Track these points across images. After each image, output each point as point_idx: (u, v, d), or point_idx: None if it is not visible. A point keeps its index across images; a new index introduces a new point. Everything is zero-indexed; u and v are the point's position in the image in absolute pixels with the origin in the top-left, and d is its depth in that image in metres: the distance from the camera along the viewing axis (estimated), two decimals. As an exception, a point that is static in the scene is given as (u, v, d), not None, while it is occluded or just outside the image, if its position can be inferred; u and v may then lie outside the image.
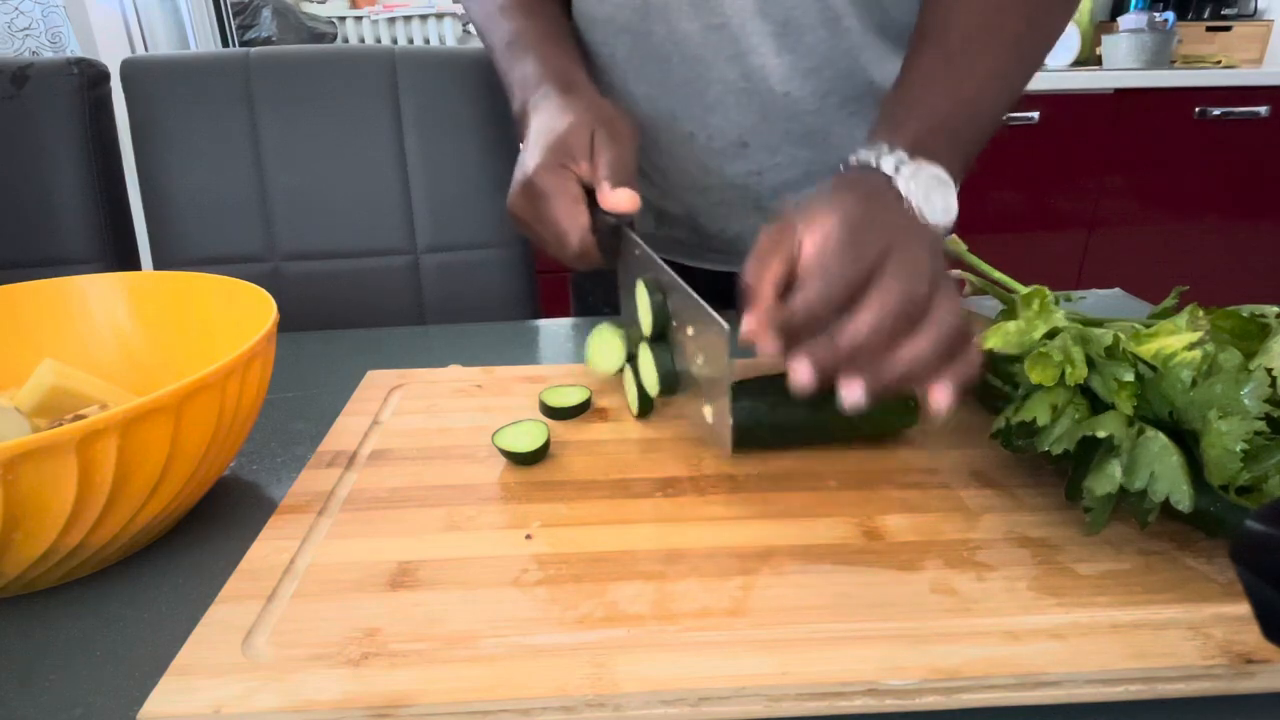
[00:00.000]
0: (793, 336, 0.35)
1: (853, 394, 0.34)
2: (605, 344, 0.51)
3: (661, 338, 0.46)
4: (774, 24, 0.57)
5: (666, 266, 0.44)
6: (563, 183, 0.47)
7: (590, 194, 0.48)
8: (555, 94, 0.51)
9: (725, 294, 0.78)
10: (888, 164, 0.41)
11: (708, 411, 0.43)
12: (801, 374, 0.34)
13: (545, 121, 0.49)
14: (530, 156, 0.48)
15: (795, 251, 0.37)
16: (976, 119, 0.47)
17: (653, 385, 0.46)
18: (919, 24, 0.51)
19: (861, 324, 0.33)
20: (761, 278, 0.37)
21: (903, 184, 0.41)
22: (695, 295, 0.41)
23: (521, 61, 0.55)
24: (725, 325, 0.38)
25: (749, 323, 0.37)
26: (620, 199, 0.45)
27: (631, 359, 0.49)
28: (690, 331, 0.43)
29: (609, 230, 0.47)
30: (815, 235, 0.36)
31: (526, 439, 0.44)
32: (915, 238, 0.37)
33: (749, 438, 0.43)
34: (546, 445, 0.44)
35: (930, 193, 0.41)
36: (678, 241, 0.73)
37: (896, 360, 0.34)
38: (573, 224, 0.46)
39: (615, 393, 0.52)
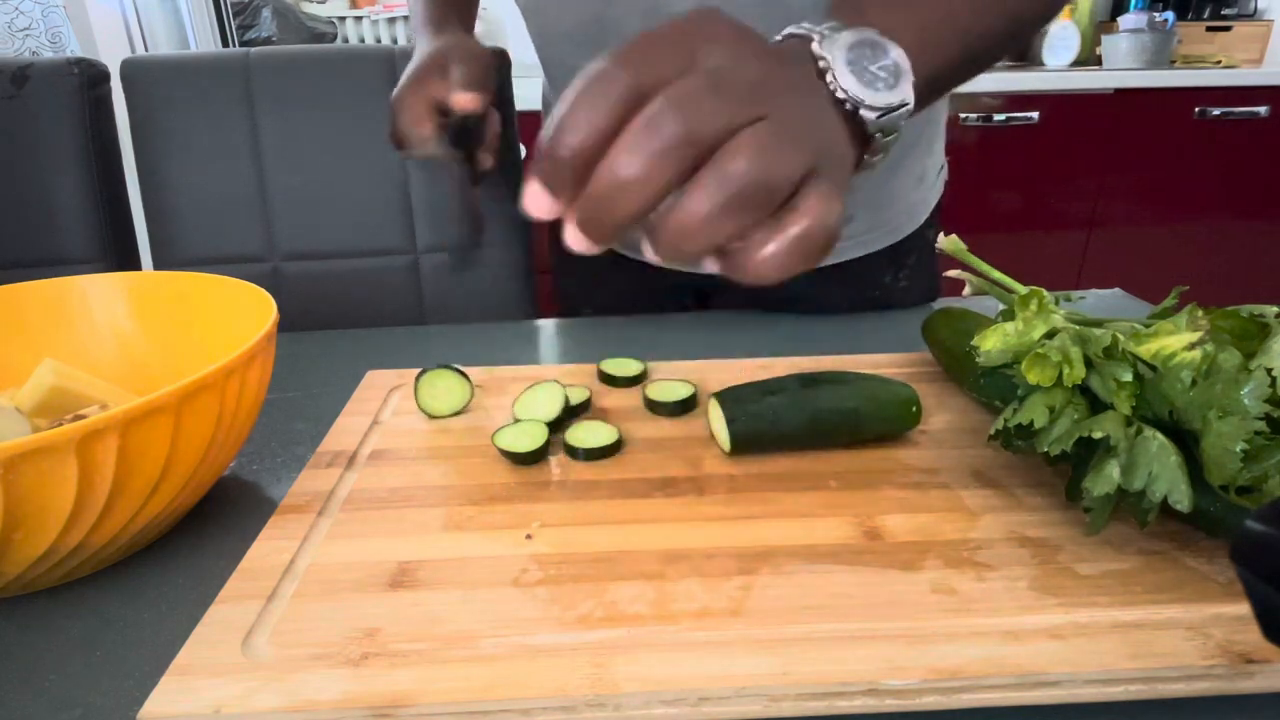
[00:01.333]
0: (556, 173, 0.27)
1: (577, 244, 0.27)
2: (443, 388, 0.49)
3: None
4: None
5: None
6: (415, 98, 0.62)
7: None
8: (427, 37, 0.66)
9: (701, 294, 0.79)
10: (814, 28, 0.32)
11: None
12: (533, 202, 0.27)
13: (416, 58, 0.65)
14: (398, 86, 0.64)
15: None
16: (953, 25, 0.37)
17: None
18: None
19: (616, 165, 0.25)
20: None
21: (822, 45, 0.31)
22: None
23: (413, 16, 0.71)
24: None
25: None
26: (463, 98, 0.59)
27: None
28: None
29: (458, 127, 0.63)
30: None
31: (526, 439, 0.44)
32: (789, 98, 0.28)
33: (751, 443, 0.43)
34: (547, 445, 0.44)
35: (862, 59, 0.31)
36: None
37: (748, 256, 0.27)
38: (420, 128, 0.63)
39: (616, 393, 0.52)
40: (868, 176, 0.34)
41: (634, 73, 0.25)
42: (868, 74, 0.31)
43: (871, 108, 0.31)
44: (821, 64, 0.30)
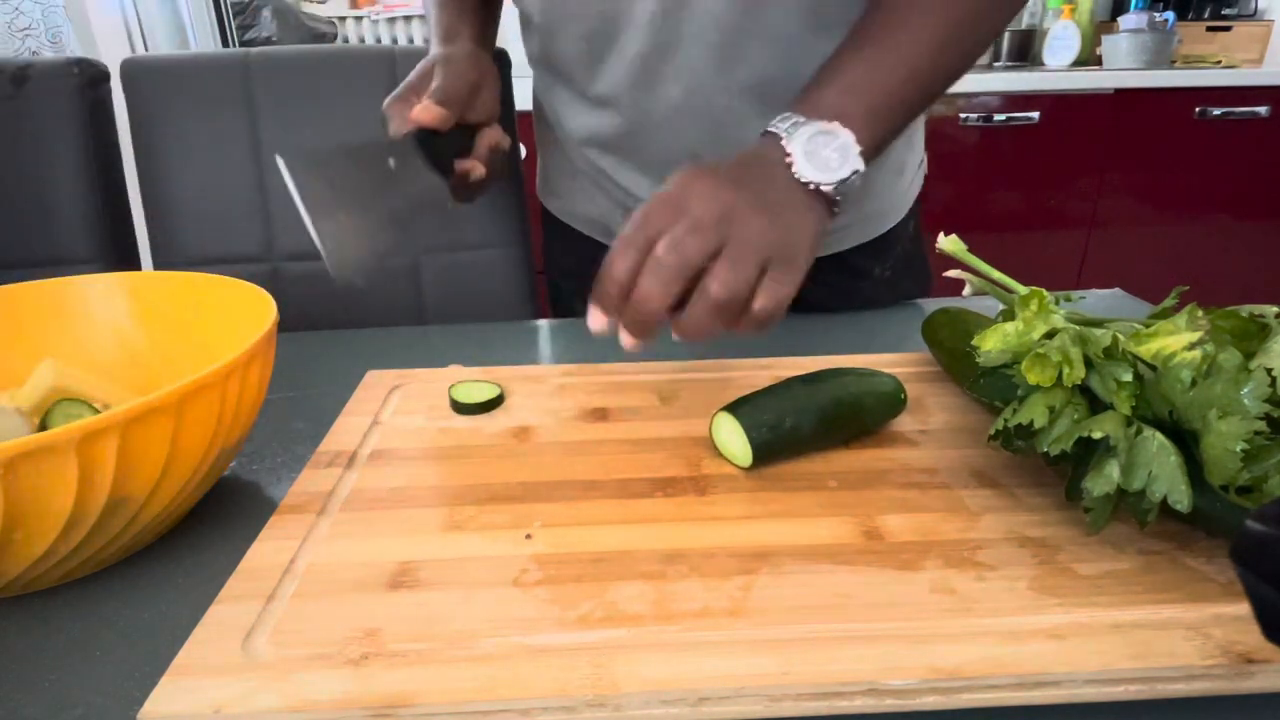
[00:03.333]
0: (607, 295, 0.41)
1: (627, 343, 0.40)
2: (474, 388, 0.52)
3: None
4: (713, 46, 0.59)
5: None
6: (396, 108, 0.57)
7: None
8: (434, 46, 0.64)
9: None
10: (782, 125, 0.44)
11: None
12: (594, 321, 0.41)
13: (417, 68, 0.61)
14: (390, 95, 0.59)
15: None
16: (904, 87, 0.48)
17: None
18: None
19: (641, 289, 0.39)
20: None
21: (788, 142, 0.44)
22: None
23: (430, 26, 0.68)
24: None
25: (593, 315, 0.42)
26: (423, 112, 0.54)
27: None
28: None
29: (425, 141, 0.55)
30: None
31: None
32: (701, 195, 0.41)
33: (770, 452, 0.42)
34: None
35: (818, 147, 0.43)
36: None
37: (679, 316, 0.40)
38: (395, 121, 0.56)
39: (614, 393, 0.52)
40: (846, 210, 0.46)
41: (646, 232, 0.40)
42: (820, 158, 0.43)
43: (827, 184, 0.43)
44: (788, 160, 0.43)
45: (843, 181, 0.44)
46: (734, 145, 0.63)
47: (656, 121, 0.63)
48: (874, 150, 0.46)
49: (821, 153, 0.44)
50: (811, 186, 0.43)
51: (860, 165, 0.44)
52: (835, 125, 0.44)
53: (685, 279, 0.39)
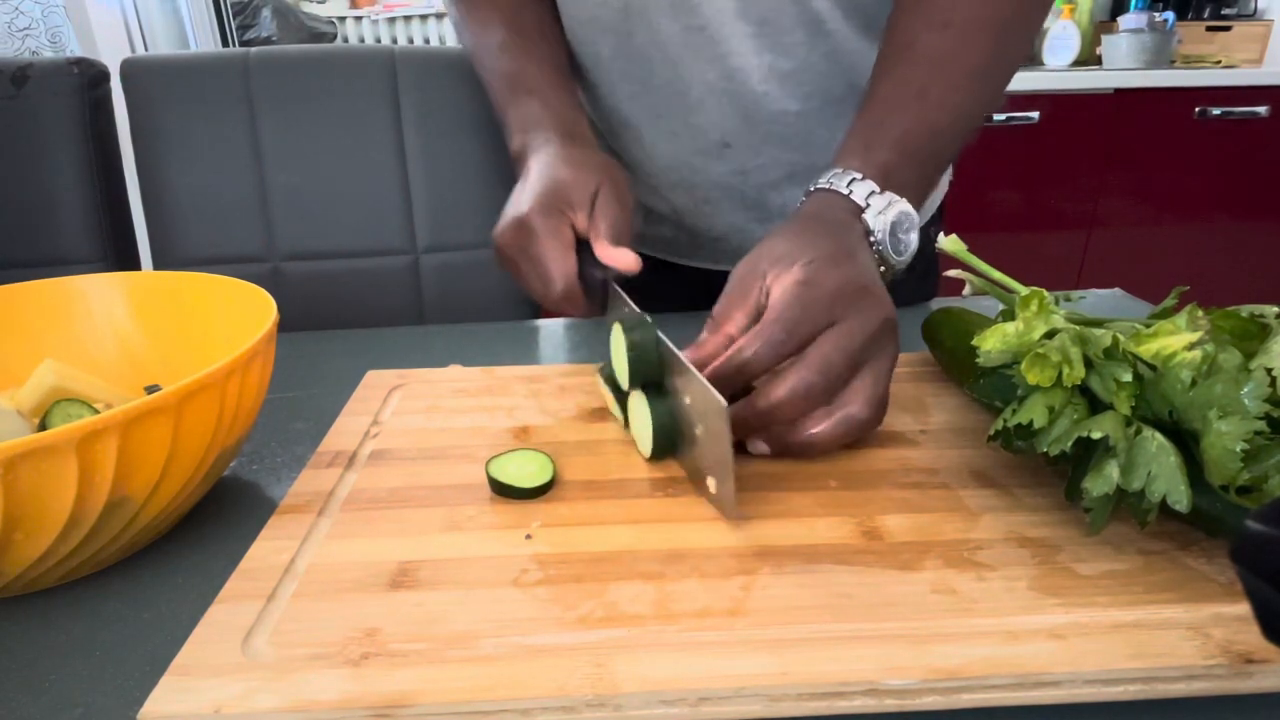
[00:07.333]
0: (724, 382, 0.38)
1: (757, 450, 0.40)
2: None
3: (649, 387, 0.41)
4: (753, 25, 0.57)
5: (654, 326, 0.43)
6: (557, 226, 0.48)
7: (580, 244, 0.49)
8: (558, 142, 0.53)
9: (714, 292, 0.78)
10: (859, 193, 0.44)
11: (711, 483, 0.39)
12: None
13: (547, 167, 0.51)
14: (527, 197, 0.49)
15: (762, 300, 0.41)
16: (941, 150, 0.48)
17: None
18: (884, 49, 0.51)
19: (776, 395, 0.38)
20: (724, 322, 0.42)
21: (872, 218, 0.44)
22: (690, 367, 0.38)
23: (523, 102, 0.57)
24: (723, 402, 0.35)
25: (691, 352, 0.41)
26: (623, 257, 0.47)
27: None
28: (687, 400, 0.39)
29: (598, 284, 0.48)
30: (776, 291, 0.40)
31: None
32: (861, 309, 0.39)
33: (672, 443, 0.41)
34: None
35: (898, 231, 0.44)
36: (665, 240, 0.73)
37: (799, 432, 0.39)
38: (561, 267, 0.48)
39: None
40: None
41: (788, 338, 0.38)
42: (900, 242, 0.44)
43: (894, 269, 0.45)
44: (871, 238, 0.44)
45: (900, 269, 0.45)
46: (765, 130, 0.62)
47: (690, 104, 0.61)
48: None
49: (900, 235, 0.44)
50: (882, 269, 0.44)
51: (917, 244, 0.45)
52: (908, 207, 0.44)
53: (787, 351, 0.39)
